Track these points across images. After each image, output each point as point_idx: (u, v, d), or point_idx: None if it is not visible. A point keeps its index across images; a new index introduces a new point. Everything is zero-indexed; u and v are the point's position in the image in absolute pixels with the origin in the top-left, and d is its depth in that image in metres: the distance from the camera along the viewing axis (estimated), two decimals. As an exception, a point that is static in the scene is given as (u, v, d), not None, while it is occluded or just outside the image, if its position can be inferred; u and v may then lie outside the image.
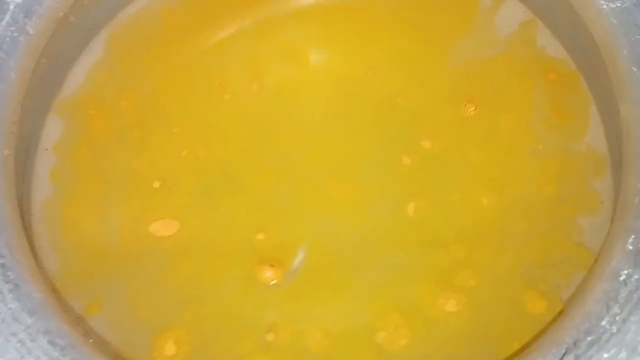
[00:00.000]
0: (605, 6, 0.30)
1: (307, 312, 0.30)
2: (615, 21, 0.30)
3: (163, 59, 0.36)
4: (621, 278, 0.25)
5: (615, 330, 0.24)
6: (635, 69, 0.29)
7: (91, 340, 0.27)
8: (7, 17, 0.31)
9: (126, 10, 0.37)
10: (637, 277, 0.25)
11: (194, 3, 0.37)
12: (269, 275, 0.31)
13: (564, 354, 0.24)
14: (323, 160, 0.34)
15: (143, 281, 0.31)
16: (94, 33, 0.36)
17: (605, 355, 0.24)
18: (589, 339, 0.24)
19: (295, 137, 0.35)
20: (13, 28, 0.31)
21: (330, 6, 0.37)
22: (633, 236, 0.26)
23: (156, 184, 0.33)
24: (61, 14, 0.33)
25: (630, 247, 0.26)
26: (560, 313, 0.27)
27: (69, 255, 0.32)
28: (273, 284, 0.31)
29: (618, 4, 0.30)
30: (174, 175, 0.34)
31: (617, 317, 0.24)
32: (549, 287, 0.30)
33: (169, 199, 0.33)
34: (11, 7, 0.31)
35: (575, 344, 0.24)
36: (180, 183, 0.34)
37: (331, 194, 0.33)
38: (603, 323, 0.24)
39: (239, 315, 0.30)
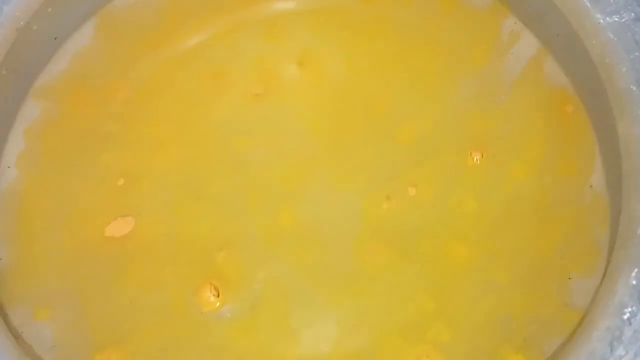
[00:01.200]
0: (602, 21, 0.29)
1: (257, 351, 0.28)
2: (613, 37, 0.28)
3: (157, 50, 0.34)
4: (625, 316, 0.23)
5: (621, 376, 0.22)
6: (634, 88, 0.28)
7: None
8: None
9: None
10: (642, 315, 0.23)
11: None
12: (212, 300, 0.29)
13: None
14: (300, 185, 0.32)
15: (94, 288, 0.30)
16: (59, 42, 0.34)
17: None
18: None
19: (277, 153, 0.32)
20: (-31, 39, 0.29)
21: (351, 16, 0.35)
22: (636, 269, 0.24)
23: (120, 181, 0.32)
24: (22, 22, 0.31)
25: (634, 282, 0.24)
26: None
27: (21, 250, 0.30)
28: (221, 314, 0.29)
29: (616, 19, 0.29)
30: (141, 175, 0.32)
31: (623, 360, 0.23)
32: (528, 341, 0.28)
33: (131, 198, 0.31)
34: (-33, 17, 0.29)
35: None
36: (146, 184, 0.32)
37: (296, 225, 0.31)
38: (607, 366, 0.23)
39: (186, 345, 0.29)
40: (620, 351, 0.23)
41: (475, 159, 0.32)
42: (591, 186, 0.30)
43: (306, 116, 0.33)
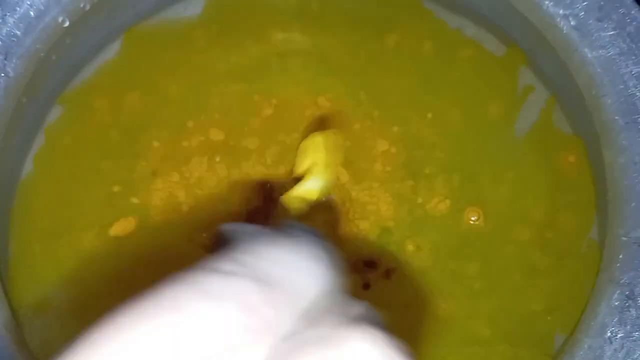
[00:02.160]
0: (589, 55, 0.30)
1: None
2: (599, 70, 0.30)
3: (177, 69, 0.35)
4: (607, 335, 0.25)
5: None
6: (618, 118, 0.29)
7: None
8: (-14, 60, 0.30)
9: (141, 22, 0.36)
10: (622, 335, 0.25)
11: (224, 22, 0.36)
12: None
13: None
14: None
15: (91, 290, 0.31)
16: (77, 70, 0.36)
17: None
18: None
19: (284, 172, 0.33)
20: (-7, 71, 0.31)
21: (368, 59, 0.35)
22: (618, 291, 0.26)
23: (115, 189, 0.33)
24: (42, 54, 0.33)
25: (616, 303, 0.25)
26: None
27: (27, 244, 0.32)
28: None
29: (602, 53, 0.30)
30: (136, 186, 0.33)
31: (604, 378, 0.24)
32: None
33: (124, 207, 0.33)
34: (-10, 49, 0.31)
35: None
36: (139, 196, 0.33)
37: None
38: (589, 384, 0.24)
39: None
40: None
41: (473, 220, 0.32)
42: (590, 239, 0.31)
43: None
